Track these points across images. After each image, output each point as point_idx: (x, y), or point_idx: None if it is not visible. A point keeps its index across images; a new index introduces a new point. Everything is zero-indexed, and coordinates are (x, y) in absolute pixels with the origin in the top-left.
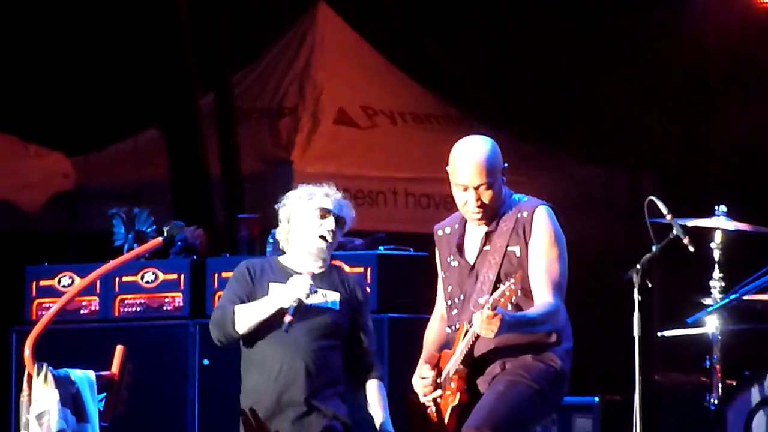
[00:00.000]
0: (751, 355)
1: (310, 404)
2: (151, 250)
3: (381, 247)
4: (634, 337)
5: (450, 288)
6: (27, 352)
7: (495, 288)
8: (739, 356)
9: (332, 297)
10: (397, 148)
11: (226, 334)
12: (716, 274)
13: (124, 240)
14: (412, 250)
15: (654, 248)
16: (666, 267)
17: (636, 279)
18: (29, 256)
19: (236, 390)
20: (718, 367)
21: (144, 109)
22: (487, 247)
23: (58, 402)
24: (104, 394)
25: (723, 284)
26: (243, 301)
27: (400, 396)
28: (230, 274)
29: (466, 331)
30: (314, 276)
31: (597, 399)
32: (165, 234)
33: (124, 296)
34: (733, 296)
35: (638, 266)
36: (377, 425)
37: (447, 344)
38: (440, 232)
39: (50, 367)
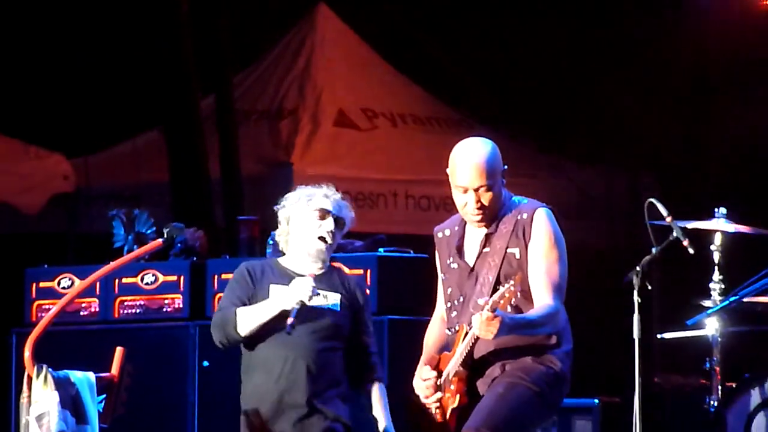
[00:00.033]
0: (750, 357)
1: (311, 406)
2: (151, 251)
3: (381, 249)
4: (633, 339)
5: (450, 290)
6: (27, 353)
7: (495, 290)
8: (739, 358)
9: (333, 298)
10: (398, 150)
11: (228, 337)
12: (716, 276)
13: (124, 242)
14: (412, 251)
15: (654, 250)
16: (666, 269)
17: (636, 281)
18: (29, 258)
19: (236, 391)
20: (717, 369)
21: (144, 110)
22: (486, 249)
23: (57, 403)
24: (104, 396)
25: (723, 286)
26: (244, 303)
27: (401, 397)
28: (230, 275)
29: (466, 333)
30: (315, 278)
31: (597, 401)
32: (165, 235)
33: (123, 298)
34: (732, 298)
35: (638, 268)
36: (379, 427)
37: (447, 346)
38: (440, 234)
39: (50, 369)
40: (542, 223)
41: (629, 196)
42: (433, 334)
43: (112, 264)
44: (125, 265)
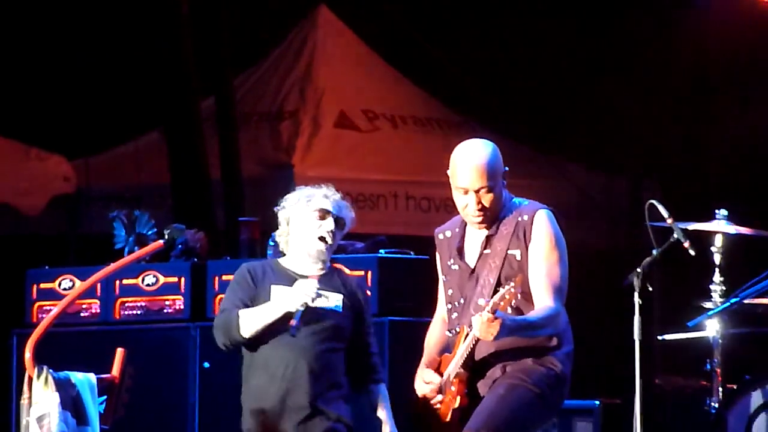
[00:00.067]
0: (751, 358)
1: (314, 407)
2: (151, 253)
3: (382, 251)
4: (634, 341)
5: (450, 291)
6: (27, 354)
7: (495, 291)
8: (740, 360)
9: (335, 299)
10: (398, 152)
11: (231, 339)
12: (717, 277)
13: (125, 243)
14: (412, 253)
15: (655, 252)
16: (667, 271)
17: (637, 282)
18: (30, 259)
19: (237, 393)
20: (718, 370)
21: (145, 112)
22: (487, 251)
23: (58, 405)
24: (105, 397)
25: (723, 288)
26: (246, 305)
27: (401, 399)
28: (231, 277)
29: (467, 335)
30: (318, 279)
31: (597, 402)
32: (166, 237)
33: (124, 299)
34: (733, 300)
35: (639, 270)
36: (382, 428)
37: (448, 348)
38: (441, 236)
39: (51, 370)
40: (543, 225)
41: (630, 197)
42: (433, 336)
43: (113, 265)
44: (126, 266)
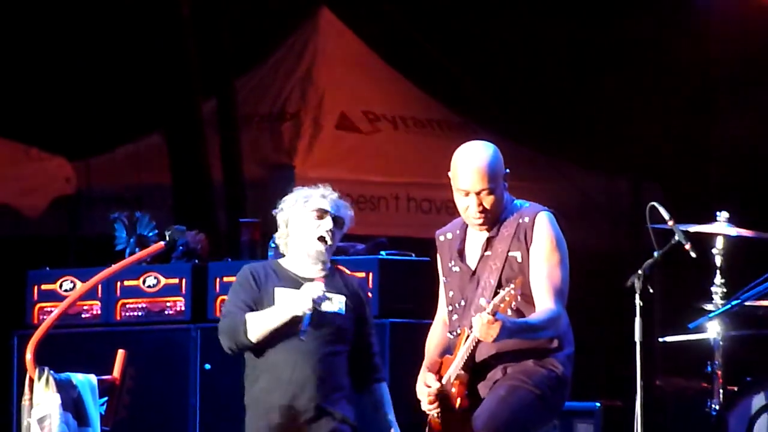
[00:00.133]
0: (752, 360)
1: (319, 409)
2: (152, 254)
3: (383, 252)
4: (635, 343)
5: (451, 293)
6: (28, 356)
7: (496, 293)
8: (741, 362)
9: (338, 301)
10: (399, 153)
11: (237, 343)
12: (718, 279)
13: (126, 244)
14: (413, 255)
15: (656, 254)
16: (668, 273)
17: (638, 284)
18: (31, 261)
19: (238, 394)
20: (719, 372)
21: (146, 113)
22: (488, 253)
23: (59, 406)
24: (106, 399)
25: (724, 290)
26: (250, 308)
27: (402, 400)
28: (232, 278)
29: (467, 336)
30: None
31: (598, 404)
32: (167, 238)
33: (125, 300)
34: (734, 302)
35: (640, 272)
36: (385, 427)
37: (449, 350)
38: (441, 238)
39: (52, 371)
40: (544, 227)
41: (631, 199)
42: (434, 338)
43: (114, 267)
44: (127, 267)
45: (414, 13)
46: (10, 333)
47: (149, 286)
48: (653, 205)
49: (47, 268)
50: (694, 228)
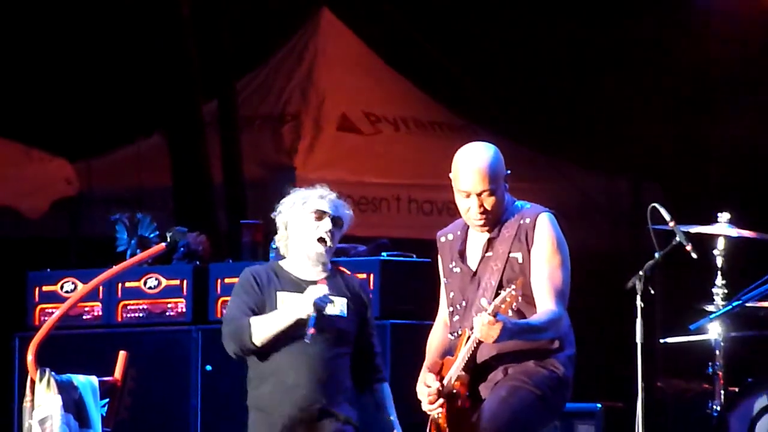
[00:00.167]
0: (753, 361)
1: (323, 411)
2: (153, 255)
3: (384, 254)
4: (636, 344)
5: (452, 294)
6: (30, 357)
7: (497, 294)
8: (742, 363)
9: (340, 304)
10: (400, 155)
11: (243, 348)
12: (719, 280)
13: (127, 246)
14: (414, 256)
15: (657, 255)
16: (669, 274)
17: (639, 286)
18: (32, 262)
19: (239, 395)
20: (720, 373)
21: (147, 115)
22: (489, 254)
23: (60, 407)
24: (107, 400)
25: (726, 291)
26: (254, 312)
27: (403, 401)
28: (233, 279)
29: (468, 337)
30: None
31: (599, 406)
32: (168, 240)
33: (126, 302)
34: (735, 303)
35: (641, 273)
36: (387, 428)
37: (450, 351)
38: (443, 239)
39: (53, 373)
40: (545, 228)
41: (631, 199)
42: (435, 339)
43: (115, 268)
44: (128, 269)
45: (414, 14)
46: (11, 334)
47: (150, 288)
48: (654, 206)
49: (48, 270)
50: (695, 229)
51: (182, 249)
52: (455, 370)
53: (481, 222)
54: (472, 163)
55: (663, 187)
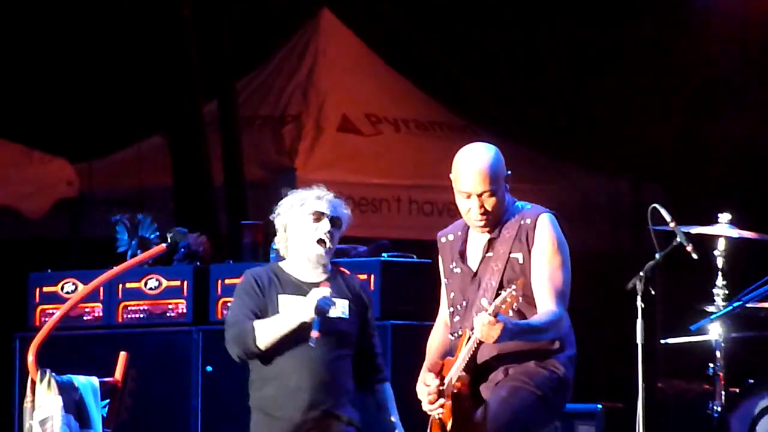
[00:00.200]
0: (754, 362)
1: (326, 413)
2: (154, 256)
3: (384, 254)
4: (637, 345)
5: (452, 295)
6: (30, 358)
7: (497, 295)
8: (743, 364)
9: (342, 305)
10: (401, 156)
11: (247, 351)
12: (719, 281)
13: (128, 246)
14: (415, 257)
15: (657, 256)
16: (669, 274)
17: (639, 286)
18: (32, 263)
19: (240, 396)
20: (721, 374)
21: (147, 115)
22: (489, 254)
23: (61, 408)
24: (107, 401)
25: (726, 292)
26: (256, 315)
27: (404, 402)
28: (234, 280)
29: (469, 338)
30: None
31: (600, 406)
32: (168, 240)
33: (127, 303)
34: (736, 304)
35: (641, 273)
36: (389, 428)
37: (450, 351)
38: (443, 239)
39: (53, 374)
40: (545, 229)
41: (631, 199)
42: (436, 339)
43: (116, 269)
44: (129, 269)
45: (414, 14)
46: (11, 335)
47: (151, 289)
48: (655, 207)
49: (49, 271)
50: (695, 229)
51: (183, 250)
52: (456, 370)
53: (482, 223)
54: (472, 164)
55: (663, 187)
